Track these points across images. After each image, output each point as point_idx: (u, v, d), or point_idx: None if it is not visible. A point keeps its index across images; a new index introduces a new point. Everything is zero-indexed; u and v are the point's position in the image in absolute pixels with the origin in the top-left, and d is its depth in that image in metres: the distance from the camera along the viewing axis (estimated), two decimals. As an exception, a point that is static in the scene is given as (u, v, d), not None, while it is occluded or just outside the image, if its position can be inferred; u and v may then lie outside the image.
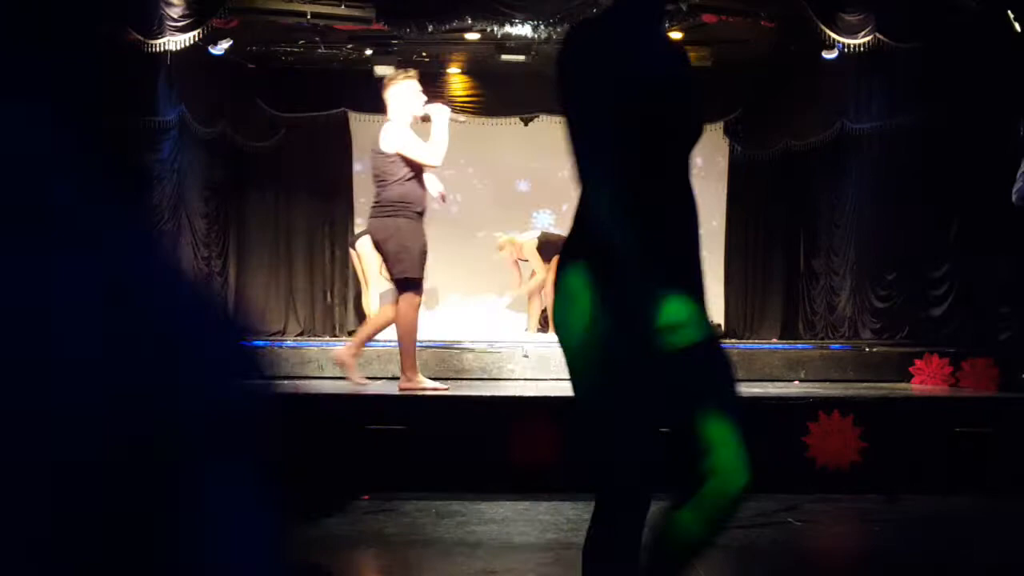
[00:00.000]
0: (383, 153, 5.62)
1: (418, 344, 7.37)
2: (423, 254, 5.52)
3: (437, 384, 5.69)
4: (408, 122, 5.66)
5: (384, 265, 5.92)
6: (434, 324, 8.83)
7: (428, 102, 5.76)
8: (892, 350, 7.42)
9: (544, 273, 9.06)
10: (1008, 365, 6.38)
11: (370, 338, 6.05)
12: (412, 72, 5.85)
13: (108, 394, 0.50)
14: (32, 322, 0.49)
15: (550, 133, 10.81)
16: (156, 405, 0.51)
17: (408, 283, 5.51)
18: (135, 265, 0.55)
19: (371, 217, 5.66)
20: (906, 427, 5.07)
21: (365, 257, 9.08)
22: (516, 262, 9.37)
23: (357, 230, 10.83)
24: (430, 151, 5.60)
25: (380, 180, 5.61)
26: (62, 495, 0.47)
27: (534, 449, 4.91)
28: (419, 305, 5.58)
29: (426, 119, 5.74)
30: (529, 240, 9.27)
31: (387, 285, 9.13)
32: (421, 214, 5.60)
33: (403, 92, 5.72)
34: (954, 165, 8.04)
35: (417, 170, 5.60)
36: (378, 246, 5.67)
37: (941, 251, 8.26)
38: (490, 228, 10.60)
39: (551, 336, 9.03)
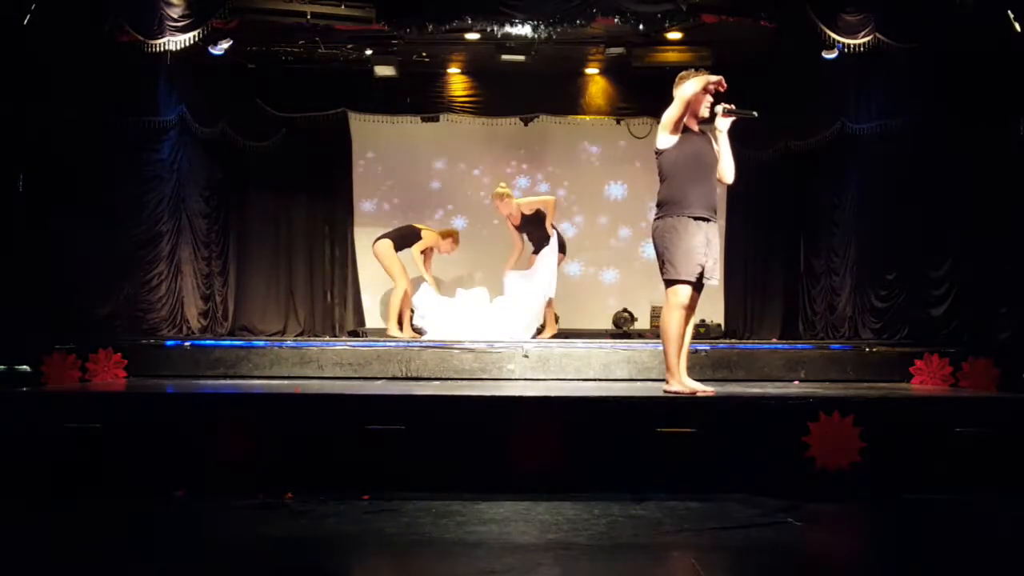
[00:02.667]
0: (656, 151, 5.56)
1: (420, 344, 7.39)
2: (685, 256, 5.37)
3: (701, 387, 5.51)
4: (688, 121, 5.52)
5: None
6: (437, 323, 8.81)
7: (716, 104, 5.53)
8: (892, 350, 7.41)
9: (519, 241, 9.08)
10: (1008, 365, 6.38)
11: (679, 351, 5.55)
12: (704, 72, 5.57)
13: None
14: None
15: (551, 133, 10.83)
16: None
17: (668, 285, 5.47)
18: None
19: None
20: (906, 427, 5.07)
21: (387, 258, 9.17)
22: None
23: (358, 230, 10.85)
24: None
25: (659, 180, 5.56)
26: None
27: (534, 449, 4.90)
28: (682, 307, 5.43)
29: (707, 121, 5.58)
30: (527, 202, 9.18)
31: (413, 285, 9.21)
32: (696, 216, 5.41)
33: (682, 89, 5.48)
34: (954, 165, 8.03)
35: (689, 165, 5.45)
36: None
37: (941, 251, 8.25)
38: (491, 229, 10.60)
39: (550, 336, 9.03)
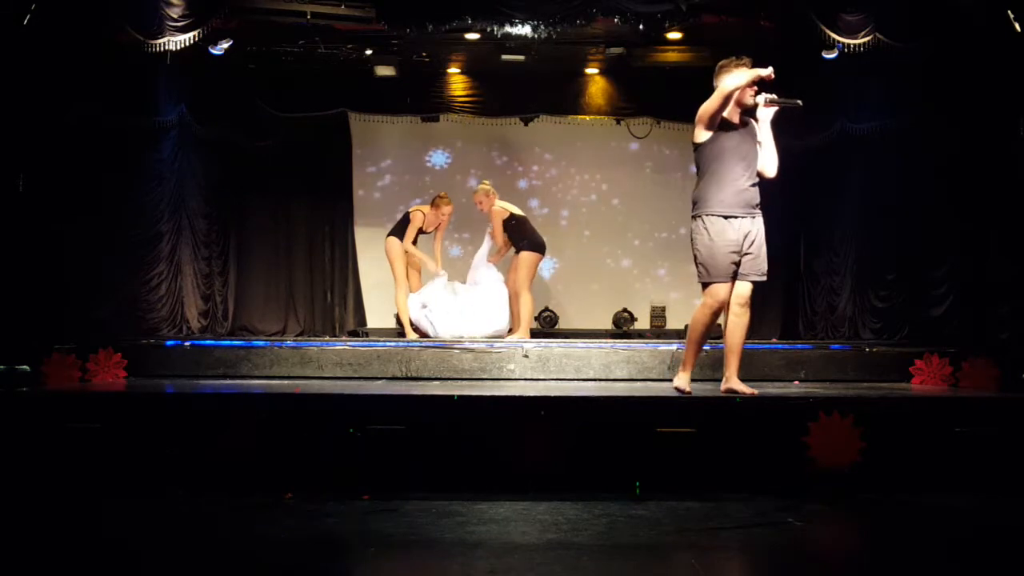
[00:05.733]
0: (693, 143, 5.36)
1: (420, 344, 7.39)
2: (716, 257, 5.25)
3: (748, 388, 5.40)
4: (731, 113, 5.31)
5: None
6: (433, 323, 8.81)
7: (759, 93, 5.29)
8: (892, 350, 7.41)
9: (500, 243, 8.86)
10: (1008, 365, 6.38)
11: (699, 350, 5.61)
12: (746, 60, 5.35)
13: None
14: None
15: (551, 133, 10.82)
16: None
17: (703, 287, 5.39)
18: None
19: None
20: (906, 427, 5.07)
21: (392, 256, 9.01)
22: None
23: (358, 230, 10.84)
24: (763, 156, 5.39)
25: (696, 175, 5.40)
26: None
27: (534, 449, 4.90)
28: (713, 310, 5.35)
29: (748, 110, 5.34)
30: (501, 209, 8.91)
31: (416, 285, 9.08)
32: (728, 215, 5.25)
33: (728, 79, 5.29)
34: (954, 164, 8.03)
35: (727, 160, 5.26)
36: None
37: (941, 251, 8.25)
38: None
39: (550, 336, 9.00)
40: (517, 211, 9.02)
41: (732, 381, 5.46)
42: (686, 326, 10.23)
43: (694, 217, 5.38)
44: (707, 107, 5.28)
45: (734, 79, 5.26)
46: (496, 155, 11.07)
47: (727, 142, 5.32)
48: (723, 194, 5.30)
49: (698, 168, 5.39)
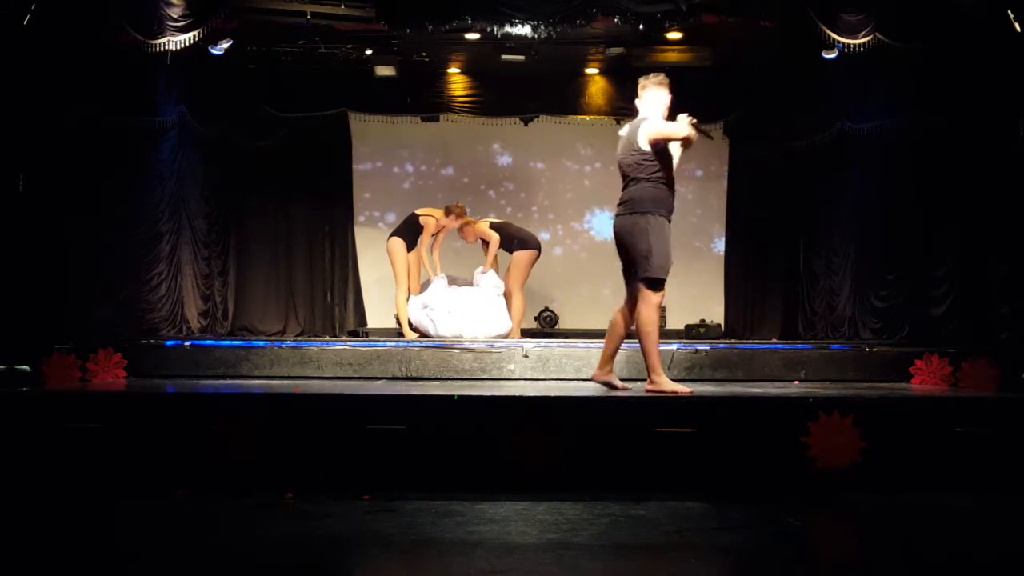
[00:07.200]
0: (639, 150, 5.59)
1: (420, 344, 7.39)
2: (666, 256, 5.50)
3: (680, 387, 5.58)
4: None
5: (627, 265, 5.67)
6: (435, 321, 8.80)
7: (682, 113, 5.66)
8: (892, 350, 7.41)
9: (496, 248, 8.96)
10: (1008, 365, 6.38)
11: (615, 351, 5.85)
12: (666, 81, 5.88)
13: None
14: None
15: (550, 132, 10.82)
16: None
17: (649, 283, 5.52)
18: None
19: (617, 215, 5.63)
20: (906, 427, 5.07)
21: (394, 256, 8.99)
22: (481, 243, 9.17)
23: (358, 230, 10.83)
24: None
25: (631, 178, 5.61)
26: None
27: (534, 449, 4.90)
28: (659, 306, 5.59)
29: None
30: (482, 223, 9.08)
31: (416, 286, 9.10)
32: (668, 216, 5.58)
33: (660, 96, 5.77)
34: (954, 164, 8.04)
35: (668, 171, 5.60)
36: (622, 245, 5.61)
37: (941, 251, 8.25)
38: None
39: (550, 336, 9.00)
40: (495, 219, 9.19)
41: (663, 379, 5.64)
42: (686, 326, 10.30)
43: (642, 213, 5.53)
44: (669, 134, 5.58)
45: (685, 130, 5.51)
46: (496, 155, 11.06)
47: (670, 156, 5.68)
48: (668, 200, 5.62)
49: (638, 169, 5.58)
